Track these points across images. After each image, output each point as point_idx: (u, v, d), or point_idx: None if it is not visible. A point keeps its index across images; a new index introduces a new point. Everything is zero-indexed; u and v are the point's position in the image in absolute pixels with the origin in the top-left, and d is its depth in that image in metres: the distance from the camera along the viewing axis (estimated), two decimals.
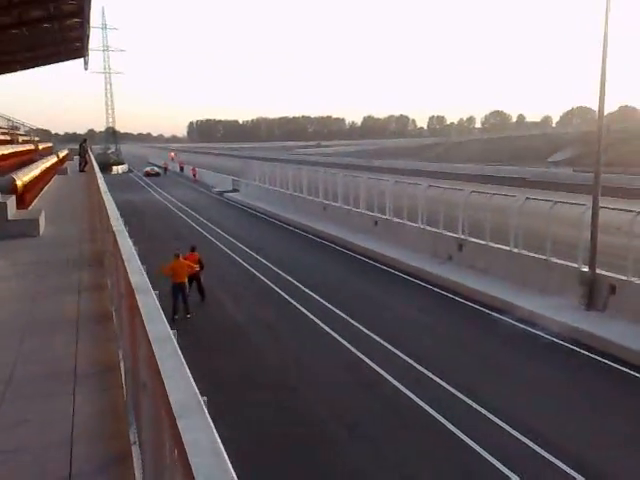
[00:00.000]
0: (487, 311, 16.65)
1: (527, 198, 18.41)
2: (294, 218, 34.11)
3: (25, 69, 37.67)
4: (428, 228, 23.11)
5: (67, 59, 35.85)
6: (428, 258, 22.14)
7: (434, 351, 13.87)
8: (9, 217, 12.09)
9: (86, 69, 39.60)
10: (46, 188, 21.28)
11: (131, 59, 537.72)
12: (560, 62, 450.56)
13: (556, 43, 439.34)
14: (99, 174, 12.69)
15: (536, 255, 17.65)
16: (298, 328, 15.82)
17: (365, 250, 25.04)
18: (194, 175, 70.70)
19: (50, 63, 36.63)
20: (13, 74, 38.77)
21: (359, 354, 13.60)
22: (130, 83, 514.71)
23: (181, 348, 2.95)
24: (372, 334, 14.85)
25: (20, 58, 32.51)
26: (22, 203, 13.82)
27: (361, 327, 15.46)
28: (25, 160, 22.55)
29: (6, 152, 18.66)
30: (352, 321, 15.96)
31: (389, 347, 13.95)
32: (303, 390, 11.95)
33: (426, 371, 12.51)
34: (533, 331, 14.80)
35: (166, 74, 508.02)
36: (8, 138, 28.39)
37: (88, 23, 25.62)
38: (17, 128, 44.91)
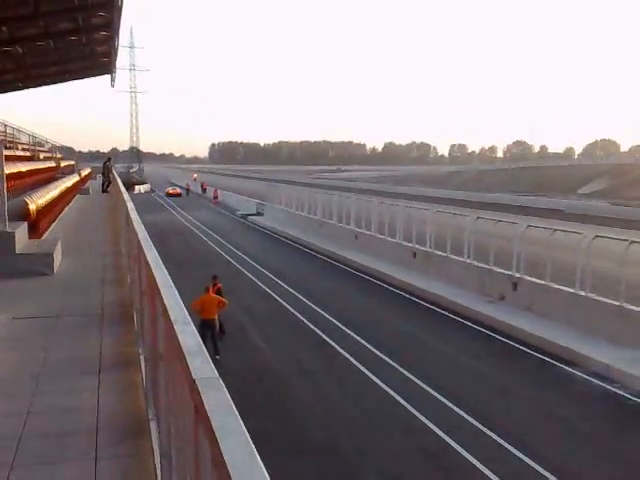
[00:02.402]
0: (553, 362, 14.70)
1: (597, 236, 16.49)
2: (323, 246, 32.42)
3: (52, 84, 36.75)
4: (475, 263, 21.24)
5: (94, 75, 34.86)
6: (475, 296, 20.26)
7: (506, 414, 11.92)
8: (17, 250, 9.99)
9: (113, 86, 38.63)
10: (66, 210, 19.55)
11: (155, 79, 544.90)
12: (585, 94, 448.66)
13: (580, 75, 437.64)
14: (127, 198, 10.59)
15: (608, 300, 15.71)
16: (339, 375, 13.99)
17: (403, 284, 23.21)
18: (215, 197, 69.53)
19: (77, 78, 35.64)
20: (40, 88, 37.94)
21: (412, 410, 11.74)
22: (154, 102, 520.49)
23: None
24: (427, 387, 12.98)
25: (47, 72, 31.54)
26: (35, 231, 11.83)
27: (411, 376, 13.61)
28: (45, 179, 21.12)
29: (23, 169, 16.89)
30: (400, 369, 14.11)
31: (451, 406, 12.05)
32: (356, 460, 10.11)
33: (505, 444, 10.55)
34: (615, 390, 12.84)
35: (189, 95, 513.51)
36: (28, 154, 27.07)
37: (117, 37, 24.48)
38: (41, 144, 43.99)
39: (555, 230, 18.09)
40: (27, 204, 11.41)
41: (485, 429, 11.00)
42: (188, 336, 2.94)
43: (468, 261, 21.61)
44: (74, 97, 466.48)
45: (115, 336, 6.57)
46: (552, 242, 17.92)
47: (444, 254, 23.10)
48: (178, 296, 3.43)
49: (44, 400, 4.94)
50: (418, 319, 19.10)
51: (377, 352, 15.29)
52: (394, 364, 14.46)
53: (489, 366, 14.74)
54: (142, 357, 5.25)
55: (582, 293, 16.50)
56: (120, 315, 7.38)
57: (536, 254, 19.27)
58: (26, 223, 11.08)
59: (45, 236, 12.85)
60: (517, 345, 16.03)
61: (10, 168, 15.15)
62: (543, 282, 17.87)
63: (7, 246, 9.47)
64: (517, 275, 19.06)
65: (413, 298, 21.46)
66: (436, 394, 12.62)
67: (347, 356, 15.06)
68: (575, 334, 15.82)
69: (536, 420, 11.71)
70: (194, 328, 3.08)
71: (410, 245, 25.72)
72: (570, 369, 14.14)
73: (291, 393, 13.03)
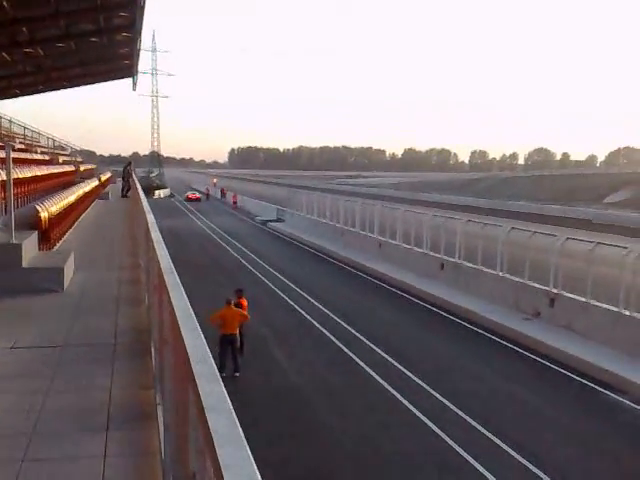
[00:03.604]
0: (597, 387, 13.65)
1: None
2: (346, 254, 31.51)
3: (73, 87, 36.35)
4: (509, 276, 20.20)
5: (116, 78, 34.40)
6: (508, 312, 19.22)
7: (551, 448, 10.92)
8: (25, 263, 8.93)
9: (134, 90, 38.15)
10: (83, 216, 18.71)
11: (176, 83, 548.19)
12: (607, 101, 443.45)
13: (603, 82, 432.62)
14: (147, 209, 9.49)
15: None
16: (369, 398, 13.05)
17: (430, 297, 22.22)
18: (234, 202, 69.04)
19: (98, 81, 35.21)
20: (62, 91, 37.59)
21: (452, 444, 10.78)
22: (175, 107, 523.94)
23: None
24: (464, 414, 12.01)
25: (68, 75, 31.09)
26: (47, 241, 10.85)
27: (447, 402, 12.65)
28: (63, 183, 20.45)
29: (39, 174, 16.12)
30: (433, 392, 13.14)
31: (495, 440, 11.06)
32: None
33: None
34: None
35: (210, 99, 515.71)
36: (47, 158, 26.50)
37: (139, 38, 23.86)
38: (63, 148, 43.68)
39: (597, 243, 17.01)
40: (38, 212, 10.54)
41: (534, 468, 10.02)
42: (220, 417, 2.11)
43: (501, 274, 20.58)
44: (96, 100, 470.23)
45: (128, 375, 5.63)
46: (592, 256, 16.88)
47: (475, 266, 22.08)
48: (213, 366, 2.60)
49: (36, 468, 4.04)
50: (448, 335, 18.11)
51: (409, 373, 14.33)
52: (426, 387, 13.51)
53: (528, 391, 13.71)
54: (160, 408, 4.34)
55: (627, 312, 15.43)
56: (135, 346, 6.44)
57: (574, 268, 18.21)
58: (36, 233, 10.16)
59: (58, 246, 11.97)
60: (556, 367, 14.99)
61: (26, 172, 14.48)
62: (583, 299, 16.81)
63: (13, 259, 8.49)
64: (554, 290, 18.00)
65: (442, 312, 20.46)
66: (475, 423, 11.65)
67: (374, 376, 14.14)
68: (619, 357, 14.75)
69: (584, 456, 10.69)
70: (229, 405, 2.23)
71: (438, 256, 24.72)
72: (616, 396, 13.09)
73: (318, 418, 12.11)
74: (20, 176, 13.27)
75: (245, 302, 15.37)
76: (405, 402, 12.62)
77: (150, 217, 8.38)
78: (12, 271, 8.34)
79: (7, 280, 7.74)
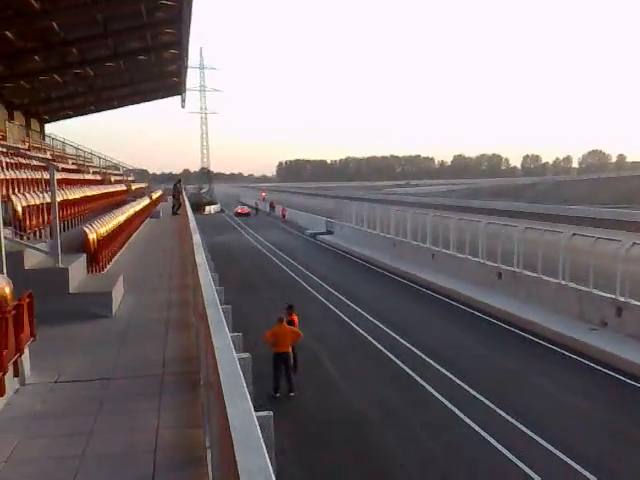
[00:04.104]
0: None
1: None
2: (397, 266, 30.85)
3: (124, 106, 37.14)
4: (572, 285, 19.21)
5: (165, 96, 34.95)
6: (572, 322, 18.25)
7: (634, 469, 10.09)
8: (72, 289, 8.57)
9: (183, 107, 38.75)
10: (134, 235, 18.73)
11: (223, 99, 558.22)
12: None
13: None
14: (197, 240, 9.05)
15: None
16: (430, 419, 12.40)
17: (488, 307, 21.37)
18: (283, 215, 69.16)
19: (148, 100, 35.84)
20: (113, 111, 38.44)
21: (513, 459, 10.07)
22: (223, 123, 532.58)
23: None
24: (534, 434, 11.26)
25: (118, 94, 31.68)
26: (96, 263, 10.65)
27: (512, 419, 11.91)
28: (115, 202, 20.54)
29: (90, 194, 16.15)
30: (502, 413, 12.37)
31: (565, 459, 10.31)
32: None
33: None
34: None
35: (256, 114, 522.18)
36: (99, 178, 26.84)
37: (187, 55, 24.06)
38: (116, 168, 44.49)
39: None
40: (86, 234, 10.37)
41: None
42: None
43: (563, 282, 19.59)
44: (147, 119, 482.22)
45: (176, 411, 5.21)
46: None
47: (535, 274, 21.13)
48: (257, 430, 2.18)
49: None
50: (508, 348, 17.28)
51: (471, 391, 13.62)
52: (491, 404, 12.79)
53: (601, 408, 12.83)
54: (209, 452, 3.91)
55: None
56: (184, 377, 6.03)
57: None
58: (85, 256, 9.97)
59: (108, 268, 11.79)
60: (629, 380, 14.04)
61: (75, 193, 14.47)
62: None
63: (59, 284, 8.21)
64: (621, 299, 16.98)
65: (501, 324, 19.62)
66: (549, 446, 10.89)
67: (435, 394, 13.49)
68: None
69: None
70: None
71: (495, 265, 23.83)
72: None
73: (378, 436, 11.55)
74: (70, 197, 13.24)
75: (296, 318, 15.00)
76: (467, 420, 11.95)
77: (196, 238, 8.03)
78: (59, 297, 7.99)
79: (54, 306, 7.41)
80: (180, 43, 21.38)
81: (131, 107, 36.72)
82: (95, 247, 10.53)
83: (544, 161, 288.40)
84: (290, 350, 13.65)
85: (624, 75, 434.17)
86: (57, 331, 7.50)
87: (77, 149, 28.84)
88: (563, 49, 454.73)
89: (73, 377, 6.25)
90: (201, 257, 6.26)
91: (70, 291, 8.55)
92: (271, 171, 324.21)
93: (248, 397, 2.57)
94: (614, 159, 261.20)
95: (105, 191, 20.85)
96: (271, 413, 3.14)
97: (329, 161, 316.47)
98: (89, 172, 27.20)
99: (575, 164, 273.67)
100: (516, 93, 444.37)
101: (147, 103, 36.85)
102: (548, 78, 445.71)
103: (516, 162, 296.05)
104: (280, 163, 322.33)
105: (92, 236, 10.51)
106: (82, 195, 14.52)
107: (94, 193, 17.08)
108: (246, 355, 4.21)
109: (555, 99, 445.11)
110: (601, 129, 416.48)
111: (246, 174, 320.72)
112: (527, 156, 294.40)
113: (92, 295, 8.77)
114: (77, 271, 9.11)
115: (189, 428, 4.74)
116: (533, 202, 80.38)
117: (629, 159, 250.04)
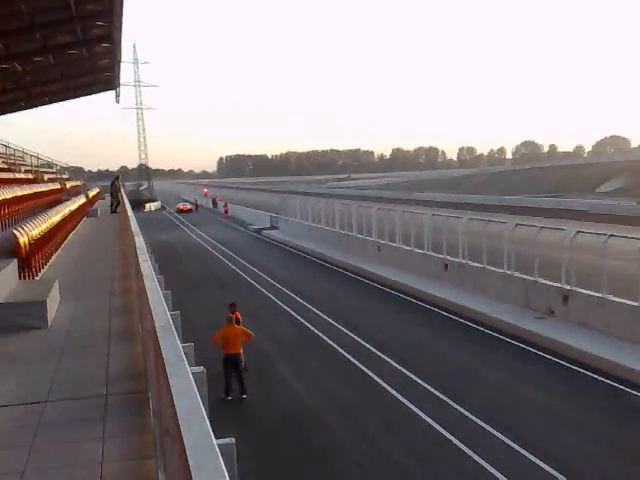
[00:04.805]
0: (626, 389, 12.89)
1: None
2: (343, 259, 30.74)
3: (55, 102, 35.46)
4: (517, 274, 19.45)
5: (98, 91, 33.53)
6: (519, 311, 18.49)
7: (590, 461, 10.15)
8: (1, 299, 7.82)
9: (118, 102, 37.40)
10: (70, 237, 17.72)
11: (160, 94, 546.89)
12: (591, 90, 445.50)
13: (585, 72, 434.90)
14: (139, 240, 8.39)
15: None
16: (385, 414, 12.24)
17: (435, 299, 21.45)
18: (226, 212, 68.00)
19: (80, 95, 34.35)
20: (43, 107, 36.70)
21: (471, 454, 10.01)
22: (161, 118, 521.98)
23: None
24: (490, 427, 11.24)
25: (48, 90, 30.20)
26: (28, 269, 9.76)
27: (466, 412, 11.87)
28: (48, 202, 19.52)
29: (20, 194, 15.12)
30: (452, 403, 12.36)
31: (521, 450, 10.30)
32: None
33: None
34: None
35: (194, 109, 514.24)
36: (31, 177, 25.54)
37: (119, 49, 23.05)
38: (49, 166, 42.67)
39: (610, 236, 16.29)
40: (16, 237, 9.53)
41: None
42: None
43: (509, 272, 19.83)
44: (81, 115, 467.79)
45: (123, 439, 4.61)
46: (603, 249, 16.16)
47: (480, 265, 21.33)
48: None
49: None
50: (458, 339, 17.33)
51: (424, 383, 13.54)
52: (442, 396, 12.73)
53: (554, 397, 12.94)
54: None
55: None
56: (130, 398, 5.40)
57: (585, 263, 17.51)
58: (15, 261, 9.17)
59: (42, 273, 10.98)
60: (579, 369, 14.23)
61: (6, 193, 13.57)
62: (599, 294, 16.08)
63: None
64: (567, 287, 17.27)
65: (449, 315, 19.70)
66: (502, 436, 10.87)
67: (388, 388, 13.34)
68: None
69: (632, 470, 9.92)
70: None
71: (441, 256, 23.97)
72: None
73: (336, 435, 11.28)
74: (1, 197, 12.36)
75: (239, 316, 14.55)
76: (423, 415, 11.83)
77: (139, 241, 7.42)
78: None
79: None
80: (112, 36, 20.42)
81: (64, 103, 35.08)
82: (27, 251, 9.73)
83: (479, 152, 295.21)
84: (241, 351, 13.23)
85: (554, 66, 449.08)
86: None
87: (7, 147, 27.38)
88: (492, 41, 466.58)
89: (1, 402, 5.52)
90: (147, 266, 5.68)
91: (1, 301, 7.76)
92: (212, 167, 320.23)
93: (208, 424, 2.20)
94: (546, 149, 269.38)
95: (38, 190, 19.79)
96: (233, 440, 2.81)
97: (270, 156, 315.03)
98: (20, 171, 25.89)
99: (509, 155, 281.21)
100: (450, 86, 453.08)
101: (81, 99, 35.34)
102: (480, 71, 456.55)
103: (452, 154, 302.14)
104: (221, 158, 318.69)
105: (23, 239, 9.71)
106: (13, 195, 13.62)
107: (26, 193, 16.11)
108: (200, 369, 3.82)
109: (488, 91, 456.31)
110: (533, 120, 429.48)
111: (186, 170, 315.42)
112: (462, 148, 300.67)
113: (24, 305, 7.95)
114: (7, 279, 8.28)
115: (139, 459, 4.21)
116: (471, 193, 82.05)
117: (560, 149, 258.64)
